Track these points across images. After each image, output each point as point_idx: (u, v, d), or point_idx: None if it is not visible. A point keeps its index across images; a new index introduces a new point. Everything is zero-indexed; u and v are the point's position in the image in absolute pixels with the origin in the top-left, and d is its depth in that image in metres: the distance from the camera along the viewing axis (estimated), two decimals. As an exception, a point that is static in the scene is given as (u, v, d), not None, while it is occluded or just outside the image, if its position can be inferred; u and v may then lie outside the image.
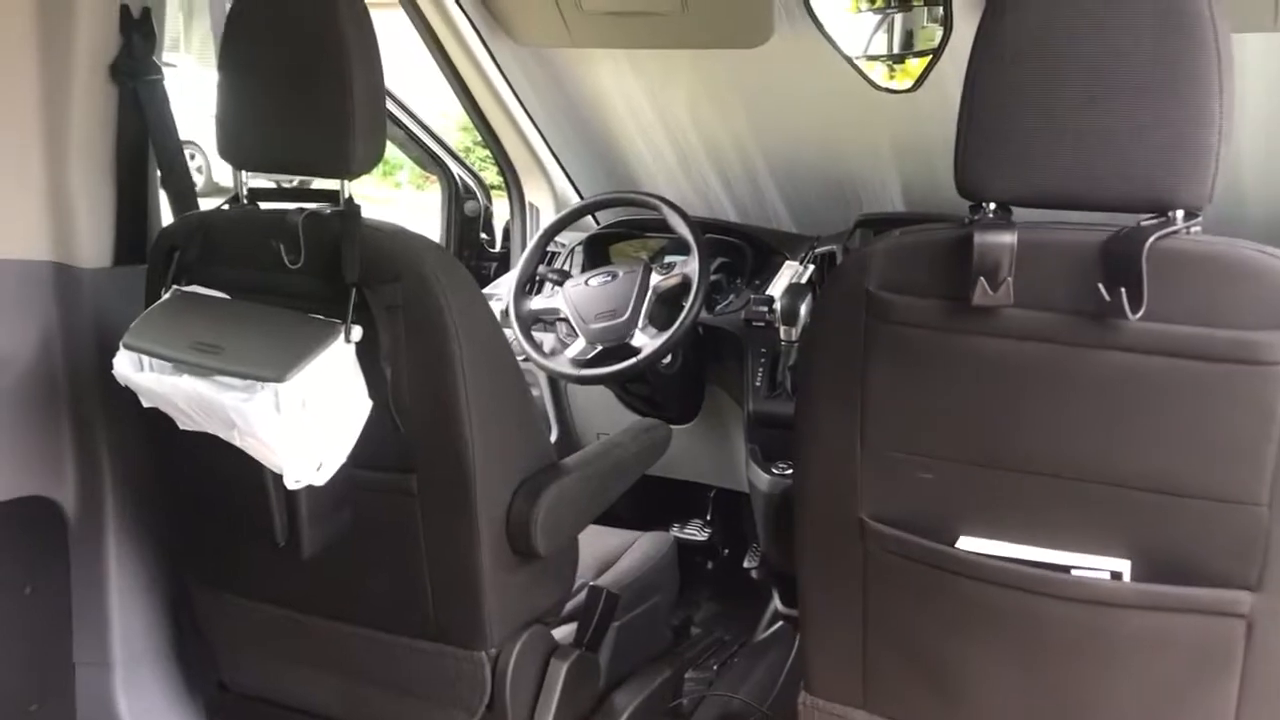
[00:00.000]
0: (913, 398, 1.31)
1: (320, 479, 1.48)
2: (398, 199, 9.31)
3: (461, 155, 3.05)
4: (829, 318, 1.36)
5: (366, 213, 1.53)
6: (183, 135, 1.86)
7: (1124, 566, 1.24)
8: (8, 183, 1.71)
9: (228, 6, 1.58)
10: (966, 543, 1.31)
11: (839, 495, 1.37)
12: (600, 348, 2.28)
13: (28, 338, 1.75)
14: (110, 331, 1.57)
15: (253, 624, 1.78)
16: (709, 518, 2.79)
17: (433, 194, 3.05)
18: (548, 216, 2.80)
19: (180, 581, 1.87)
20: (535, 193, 2.85)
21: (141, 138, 1.79)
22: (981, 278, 1.21)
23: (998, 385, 1.26)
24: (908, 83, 2.21)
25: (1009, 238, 1.21)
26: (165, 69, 1.84)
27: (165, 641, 1.92)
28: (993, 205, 1.24)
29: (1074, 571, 1.26)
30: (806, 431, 1.39)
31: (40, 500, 1.78)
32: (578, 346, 2.30)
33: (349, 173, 1.51)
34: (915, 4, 2.28)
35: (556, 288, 2.41)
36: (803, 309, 2.07)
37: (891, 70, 2.29)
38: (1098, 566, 1.25)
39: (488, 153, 2.94)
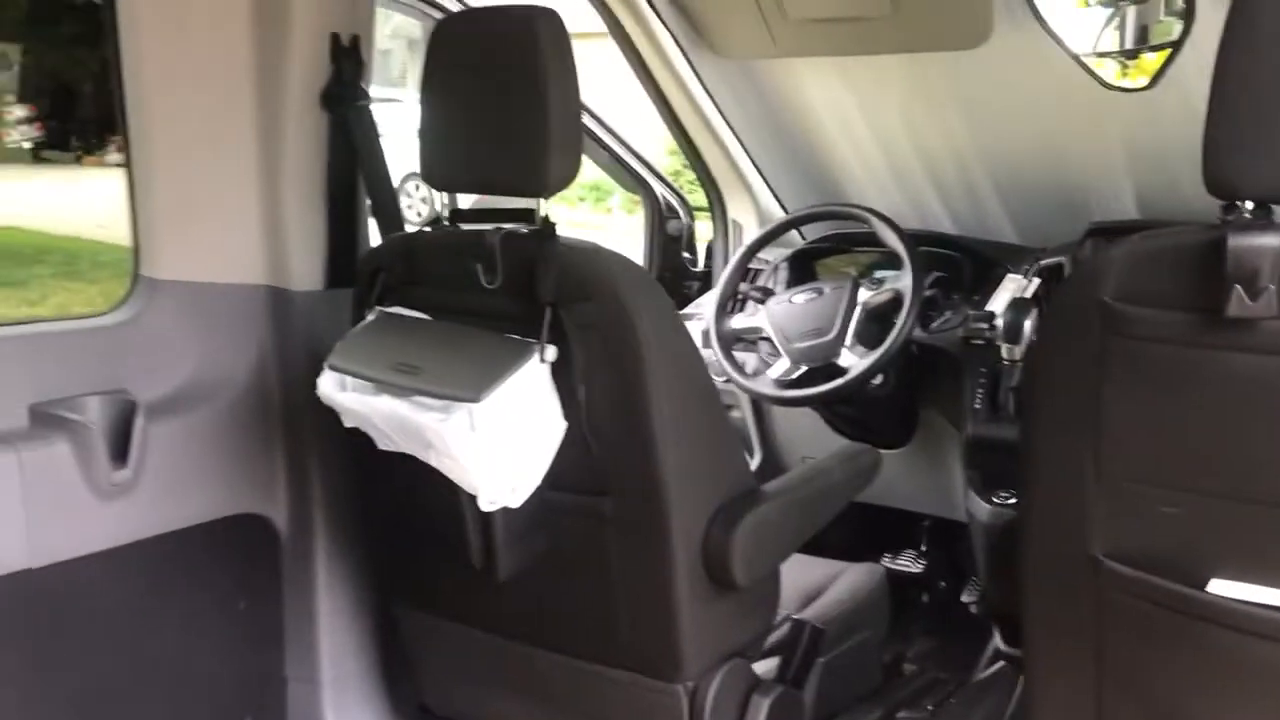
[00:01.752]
0: (1155, 422, 1.17)
1: (515, 501, 1.46)
2: (609, 224, 9.48)
3: (670, 178, 3.02)
4: (1058, 332, 1.24)
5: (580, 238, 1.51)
6: (410, 168, 1.89)
7: None
8: (228, 212, 1.79)
9: (431, 32, 1.60)
10: (1219, 586, 1.17)
11: (1069, 530, 1.25)
12: (805, 368, 2.20)
13: (245, 359, 1.81)
14: (320, 352, 1.60)
15: (453, 646, 1.78)
16: (923, 548, 2.65)
17: (642, 218, 3.05)
18: (751, 234, 2.73)
19: (385, 601, 1.89)
20: (738, 209, 2.79)
21: (351, 164, 1.83)
22: (1238, 286, 1.07)
23: (1256, 408, 1.11)
24: (1142, 80, 2.06)
25: (1271, 240, 1.07)
26: (390, 103, 1.87)
27: (371, 660, 1.95)
28: (1249, 204, 1.10)
29: (1350, 624, 1.09)
30: (1032, 459, 1.28)
31: (255, 518, 1.84)
32: (781, 367, 2.23)
33: (544, 190, 1.49)
34: (1151, -5, 2.12)
35: (759, 306, 2.34)
36: (1027, 325, 1.94)
37: (1124, 67, 2.13)
38: (1380, 618, 1.08)
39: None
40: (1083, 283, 1.21)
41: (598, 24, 2.52)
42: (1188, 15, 1.93)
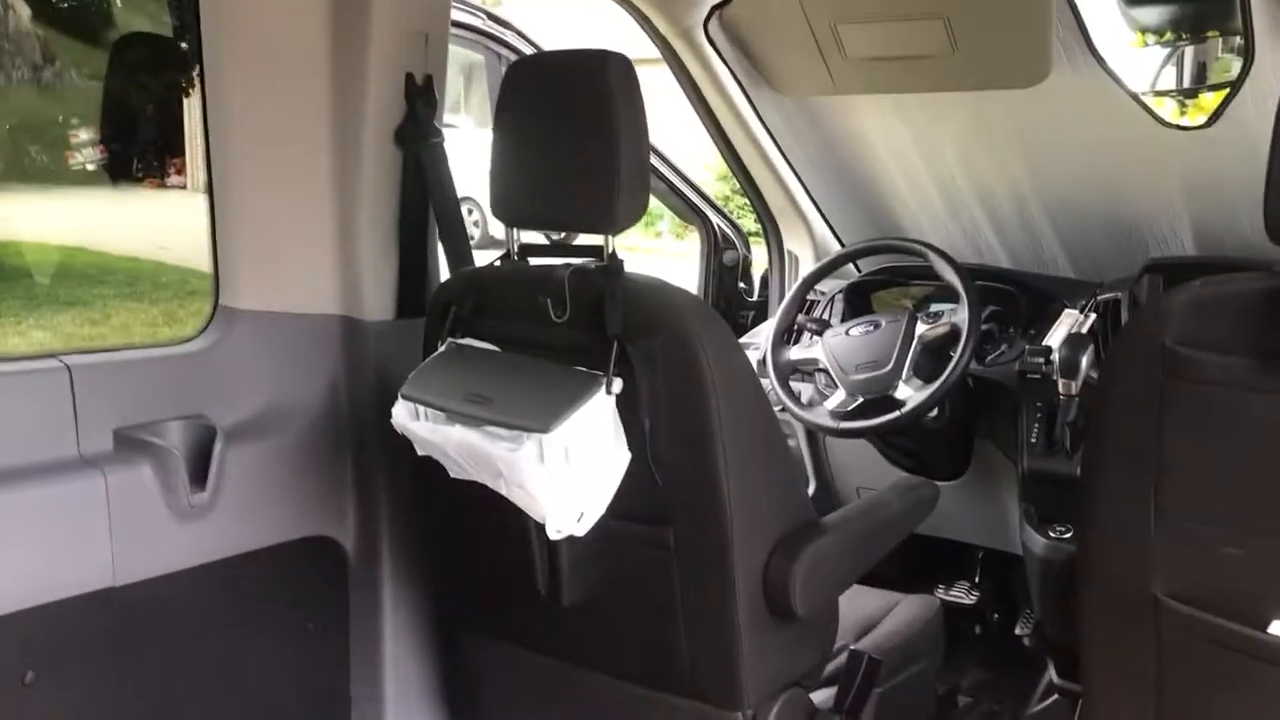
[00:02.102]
0: (1217, 464, 1.18)
1: (581, 529, 1.50)
2: (658, 248, 9.54)
3: (720, 204, 3.07)
4: (1120, 374, 1.26)
5: (629, 264, 1.55)
6: (461, 192, 1.94)
7: None
8: (305, 245, 1.85)
9: (503, 71, 1.65)
10: (1280, 628, 1.18)
11: (1129, 568, 1.26)
12: (861, 399, 2.22)
13: (318, 386, 1.87)
14: (390, 381, 1.65)
15: (515, 669, 1.81)
16: (977, 580, 2.65)
17: (690, 243, 3.09)
18: (807, 265, 2.76)
19: (450, 623, 1.93)
20: (794, 241, 2.83)
21: (422, 198, 1.88)
22: None
23: None
24: (1201, 118, 2.07)
25: None
26: (445, 129, 1.92)
27: (435, 682, 1.99)
28: None
29: None
30: (1092, 497, 1.29)
31: (324, 540, 1.89)
32: (837, 398, 2.25)
33: (613, 228, 1.53)
34: (1210, 35, 2.13)
35: (816, 337, 2.36)
36: (1084, 361, 1.94)
37: (1182, 106, 2.14)
38: None
39: (746, 200, 2.95)
40: (1144, 326, 1.23)
41: (650, 49, 2.55)
42: (1247, 54, 1.94)
